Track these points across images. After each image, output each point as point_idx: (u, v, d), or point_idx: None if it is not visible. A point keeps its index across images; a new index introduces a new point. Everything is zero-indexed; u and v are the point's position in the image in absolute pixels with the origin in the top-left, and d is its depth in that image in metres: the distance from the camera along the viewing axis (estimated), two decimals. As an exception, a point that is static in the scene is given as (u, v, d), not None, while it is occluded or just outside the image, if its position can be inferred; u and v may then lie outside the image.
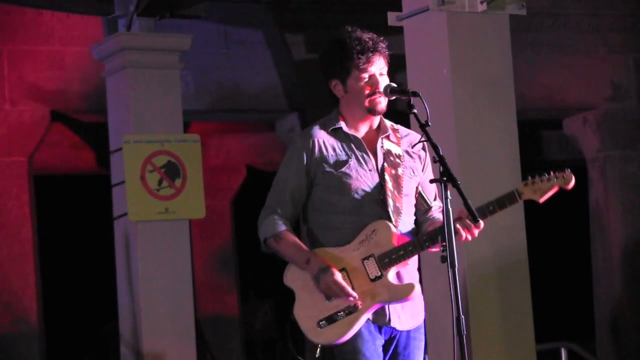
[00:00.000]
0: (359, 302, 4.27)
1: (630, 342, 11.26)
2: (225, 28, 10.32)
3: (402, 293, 4.34)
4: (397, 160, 4.44)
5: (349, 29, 4.46)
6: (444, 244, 4.18)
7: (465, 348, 4.15)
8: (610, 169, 11.51)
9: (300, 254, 4.35)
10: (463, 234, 4.33)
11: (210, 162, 11.67)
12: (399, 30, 6.52)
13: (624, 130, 11.49)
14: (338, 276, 4.27)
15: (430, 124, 4.31)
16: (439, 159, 4.22)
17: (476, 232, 4.35)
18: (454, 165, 4.36)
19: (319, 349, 4.30)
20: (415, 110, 4.33)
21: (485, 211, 4.36)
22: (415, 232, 4.48)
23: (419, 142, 4.41)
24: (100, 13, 8.74)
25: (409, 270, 4.42)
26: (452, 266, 4.16)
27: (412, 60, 6.38)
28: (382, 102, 4.42)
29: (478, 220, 4.21)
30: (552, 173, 4.42)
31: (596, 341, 11.54)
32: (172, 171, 8.37)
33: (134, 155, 8.25)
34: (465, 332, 4.15)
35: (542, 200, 4.43)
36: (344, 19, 10.21)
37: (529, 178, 4.42)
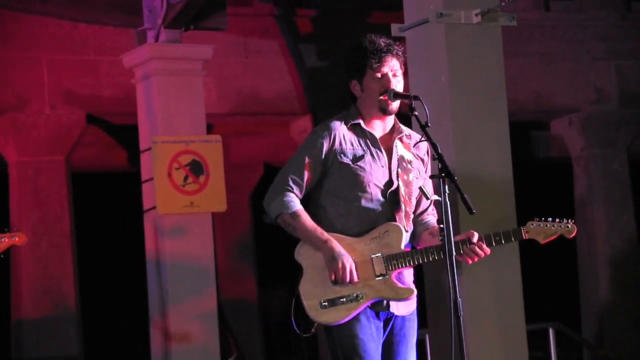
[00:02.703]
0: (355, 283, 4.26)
1: (612, 322, 11.25)
2: (244, 39, 10.33)
3: (402, 294, 4.34)
4: (409, 166, 4.43)
5: (368, 34, 4.45)
6: (442, 236, 4.19)
7: (462, 327, 4.16)
8: (593, 166, 11.49)
9: (319, 234, 4.30)
10: (468, 260, 4.35)
11: (231, 160, 11.68)
12: (402, 40, 6.52)
13: (606, 131, 11.47)
14: (352, 265, 4.26)
15: (430, 124, 4.31)
16: (437, 157, 4.22)
17: (477, 259, 4.36)
18: (452, 162, 4.36)
19: (314, 327, 4.28)
20: (416, 113, 4.34)
21: (492, 240, 4.37)
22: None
23: (420, 141, 4.41)
24: (131, 25, 8.75)
25: (408, 271, 4.43)
26: (450, 254, 4.17)
27: (413, 67, 6.37)
28: (393, 104, 4.41)
29: (473, 213, 4.20)
30: (557, 220, 4.42)
31: (581, 322, 11.53)
32: (197, 169, 8.38)
33: (161, 154, 8.26)
34: (461, 313, 4.15)
35: (543, 242, 4.43)
36: (351, 30, 10.24)
37: (536, 219, 4.41)
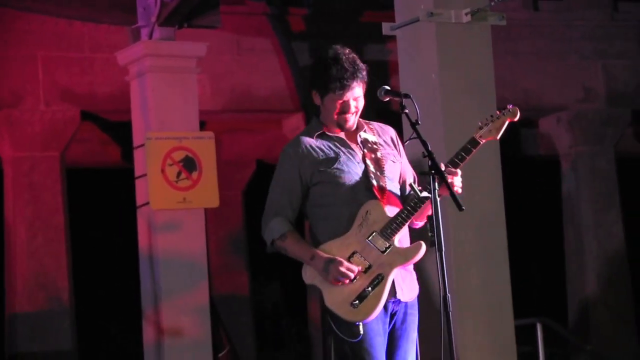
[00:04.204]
0: (359, 273, 4.27)
1: (598, 316, 11.27)
2: (237, 37, 10.31)
3: (413, 253, 4.35)
4: (374, 146, 4.46)
5: (338, 50, 4.40)
6: (432, 231, 4.19)
7: (451, 323, 4.16)
8: (580, 163, 11.51)
9: (305, 252, 4.35)
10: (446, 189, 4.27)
11: (224, 156, 11.66)
12: (393, 39, 6.52)
13: (593, 129, 11.49)
14: (345, 263, 4.28)
15: (420, 122, 4.31)
16: (427, 154, 4.22)
17: (457, 180, 4.32)
18: (442, 159, 4.35)
19: (360, 327, 4.28)
20: (407, 110, 4.35)
21: (455, 161, 4.36)
22: None
23: (410, 139, 4.41)
24: (125, 23, 8.72)
25: (405, 235, 4.43)
26: (440, 250, 4.17)
27: (404, 66, 6.37)
28: (350, 120, 4.42)
29: (462, 209, 4.20)
30: (499, 112, 4.43)
31: (568, 317, 11.55)
32: (190, 165, 8.36)
33: (155, 150, 8.24)
34: (451, 308, 4.15)
35: (498, 136, 4.43)
36: (343, 29, 10.23)
37: (480, 123, 4.42)
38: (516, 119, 4.43)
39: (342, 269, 4.26)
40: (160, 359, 8.21)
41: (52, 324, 9.58)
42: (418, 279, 4.54)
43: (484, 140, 4.39)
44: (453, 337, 4.15)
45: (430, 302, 5.95)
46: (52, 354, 9.52)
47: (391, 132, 4.58)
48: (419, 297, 4.53)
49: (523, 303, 7.48)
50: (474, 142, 4.38)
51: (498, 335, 6.22)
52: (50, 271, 9.61)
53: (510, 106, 4.44)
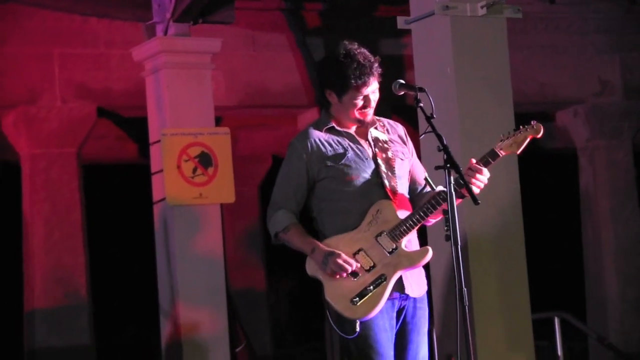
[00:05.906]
0: (357, 268, 4.27)
1: (616, 310, 11.23)
2: (252, 32, 10.30)
3: (419, 257, 4.35)
4: (385, 145, 4.46)
5: (348, 47, 4.37)
6: (447, 225, 4.17)
7: (467, 317, 4.14)
8: (598, 157, 11.46)
9: (307, 244, 4.35)
10: (475, 182, 4.29)
11: (240, 152, 11.66)
12: (408, 32, 6.50)
13: (610, 122, 11.44)
14: (343, 255, 4.27)
15: (435, 116, 4.30)
16: (443, 148, 4.22)
17: (484, 178, 4.32)
18: (457, 153, 4.33)
19: (358, 324, 4.27)
20: (421, 104, 4.34)
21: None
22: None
23: (425, 132, 4.40)
24: (140, 19, 8.74)
25: (414, 238, 4.43)
26: (455, 244, 4.15)
27: (419, 60, 6.35)
28: (370, 114, 4.42)
29: (478, 203, 4.19)
30: (522, 127, 4.42)
31: (586, 310, 11.51)
32: (205, 160, 8.37)
33: (171, 146, 8.24)
34: (467, 303, 4.13)
35: (519, 151, 4.43)
36: (358, 24, 10.20)
37: (502, 136, 4.40)
38: (539, 135, 4.43)
39: (340, 261, 4.25)
40: (178, 354, 8.22)
41: (70, 319, 9.60)
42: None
43: (503, 153, 4.39)
44: (470, 331, 4.13)
45: (448, 296, 5.94)
46: (70, 349, 9.54)
47: (400, 129, 4.57)
48: (428, 292, 4.52)
49: (540, 297, 7.45)
50: (493, 154, 4.38)
51: (515, 329, 6.20)
52: (67, 267, 9.63)
53: (533, 122, 4.43)
